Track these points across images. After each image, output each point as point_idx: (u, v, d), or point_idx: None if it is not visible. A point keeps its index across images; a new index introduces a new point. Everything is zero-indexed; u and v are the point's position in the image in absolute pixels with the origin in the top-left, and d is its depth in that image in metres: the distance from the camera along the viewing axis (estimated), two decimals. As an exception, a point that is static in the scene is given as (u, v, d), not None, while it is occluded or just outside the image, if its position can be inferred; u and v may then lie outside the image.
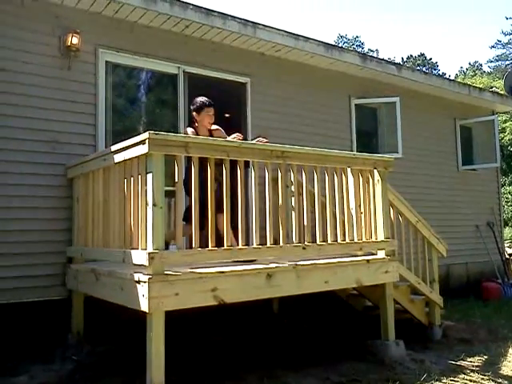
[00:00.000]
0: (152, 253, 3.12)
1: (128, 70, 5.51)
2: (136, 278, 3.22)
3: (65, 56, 4.85)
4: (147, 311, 3.11)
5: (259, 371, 4.09)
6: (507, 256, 9.81)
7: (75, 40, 4.79)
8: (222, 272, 3.47)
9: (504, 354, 4.82)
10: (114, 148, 3.72)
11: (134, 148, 3.36)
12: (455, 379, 4.06)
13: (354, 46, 51.26)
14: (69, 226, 4.67)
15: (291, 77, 6.62)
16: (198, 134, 4.53)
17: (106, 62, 5.16)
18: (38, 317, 4.45)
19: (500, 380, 4.06)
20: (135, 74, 5.64)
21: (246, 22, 5.77)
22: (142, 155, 3.28)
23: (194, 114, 4.70)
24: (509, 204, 21.73)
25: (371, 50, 51.63)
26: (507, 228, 19.63)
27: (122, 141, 3.60)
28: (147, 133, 3.15)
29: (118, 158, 3.64)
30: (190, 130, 4.63)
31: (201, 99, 4.74)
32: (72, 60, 4.88)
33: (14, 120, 4.56)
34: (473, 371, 4.28)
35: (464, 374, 4.20)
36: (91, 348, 4.38)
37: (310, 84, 6.81)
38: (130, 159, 3.49)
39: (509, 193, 22.13)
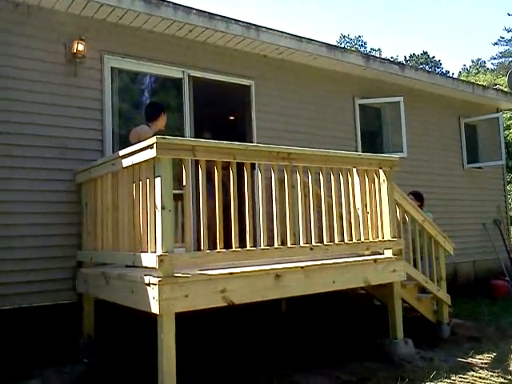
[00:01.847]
0: (161, 255, 3.16)
1: (133, 74, 5.56)
2: (146, 281, 3.27)
3: (71, 63, 4.91)
4: (158, 313, 3.15)
5: (269, 371, 4.13)
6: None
7: (81, 47, 4.85)
8: (231, 273, 3.51)
9: (513, 350, 4.83)
10: (122, 153, 3.77)
11: (141, 152, 3.41)
12: (464, 376, 4.07)
13: (357, 46, 51.26)
14: (78, 230, 4.72)
15: (295, 79, 6.65)
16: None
17: (112, 67, 5.21)
18: (49, 321, 4.50)
19: (509, 376, 4.07)
20: (140, 78, 5.70)
21: (249, 26, 5.82)
22: (149, 159, 3.32)
23: (153, 117, 4.89)
24: (515, 201, 21.63)
25: (374, 50, 51.64)
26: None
27: (129, 145, 3.65)
28: (155, 137, 3.20)
29: (126, 162, 3.69)
30: (147, 128, 4.77)
31: (158, 104, 5.09)
32: (78, 66, 4.94)
33: (22, 127, 4.62)
34: (482, 368, 4.29)
35: (473, 371, 4.22)
36: (102, 351, 4.43)
37: (313, 85, 6.84)
38: (138, 163, 3.53)
39: (515, 190, 22.04)
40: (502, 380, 4.00)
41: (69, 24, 4.94)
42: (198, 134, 5.75)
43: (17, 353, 4.24)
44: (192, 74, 5.73)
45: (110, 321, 4.56)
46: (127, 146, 4.34)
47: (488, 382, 3.97)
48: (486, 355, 4.70)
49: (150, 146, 3.25)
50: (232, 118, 8.09)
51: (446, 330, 5.48)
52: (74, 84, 4.94)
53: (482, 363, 4.46)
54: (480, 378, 4.06)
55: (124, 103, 5.24)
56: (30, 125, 4.66)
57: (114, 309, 3.97)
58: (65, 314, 4.58)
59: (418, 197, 6.36)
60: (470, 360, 4.55)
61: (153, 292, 3.19)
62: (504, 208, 9.57)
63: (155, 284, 3.16)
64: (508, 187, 12.00)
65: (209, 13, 5.51)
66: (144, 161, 3.42)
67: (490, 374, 4.15)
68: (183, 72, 5.68)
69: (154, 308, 3.16)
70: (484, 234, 8.96)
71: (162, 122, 4.96)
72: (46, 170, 4.69)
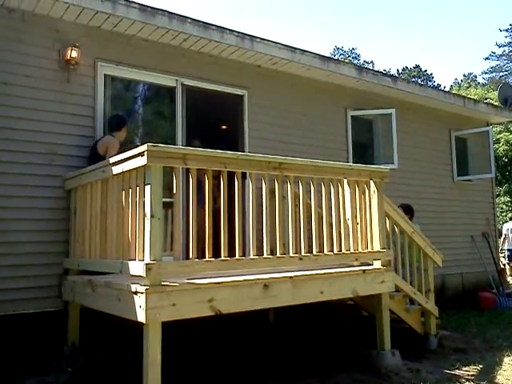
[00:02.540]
0: (149, 264, 3.15)
1: (126, 82, 5.57)
2: (133, 289, 3.25)
3: (64, 69, 4.90)
4: (144, 322, 3.13)
5: (255, 383, 4.11)
6: (502, 266, 9.86)
7: (74, 53, 4.85)
8: (219, 283, 3.50)
9: (499, 362, 4.86)
10: (112, 160, 3.76)
11: (132, 160, 3.41)
12: (451, 389, 4.09)
13: (350, 58, 51.68)
14: (66, 237, 4.69)
15: (288, 89, 6.69)
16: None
17: (105, 75, 5.21)
18: (33, 328, 4.45)
19: (495, 389, 4.09)
20: (133, 86, 5.71)
21: (243, 36, 5.85)
22: (140, 167, 3.32)
23: (116, 127, 4.94)
24: (503, 214, 21.82)
25: (367, 62, 52.09)
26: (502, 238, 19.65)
27: (120, 153, 3.65)
28: (146, 145, 3.20)
29: (116, 169, 3.68)
30: (113, 140, 4.80)
31: (121, 117, 5.11)
32: (71, 73, 4.94)
33: (13, 132, 4.60)
34: (468, 380, 4.31)
35: (459, 383, 4.24)
36: (87, 359, 4.38)
37: (306, 96, 6.89)
38: (128, 171, 3.53)
39: (503, 203, 22.24)
40: (488, 393, 4.02)
41: (63, 31, 4.95)
42: (189, 143, 5.76)
43: (0, 361, 4.18)
44: (185, 83, 5.75)
45: (96, 329, 4.52)
46: (95, 156, 4.48)
47: (474, 394, 3.98)
48: (472, 367, 4.72)
49: (141, 154, 3.25)
50: (224, 127, 8.12)
51: (433, 342, 5.50)
52: (66, 90, 4.94)
53: (468, 375, 4.47)
54: (466, 390, 4.08)
55: (116, 111, 5.24)
56: (20, 131, 4.64)
57: (99, 317, 3.93)
58: (50, 321, 4.53)
59: (407, 210, 6.40)
60: (456, 372, 4.56)
61: (139, 300, 3.17)
62: (492, 221, 9.65)
63: (142, 292, 3.15)
64: (497, 200, 12.11)
65: (203, 22, 5.54)
66: (134, 168, 3.42)
67: (476, 386, 4.17)
68: (177, 81, 5.69)
69: (141, 317, 3.15)
70: (472, 246, 9.03)
71: (123, 133, 5.00)
72: (35, 175, 4.66)
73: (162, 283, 3.22)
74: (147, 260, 3.18)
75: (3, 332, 4.32)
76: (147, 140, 4.52)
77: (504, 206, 22.19)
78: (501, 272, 9.58)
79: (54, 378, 4.09)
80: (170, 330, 3.32)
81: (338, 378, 4.25)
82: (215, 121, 7.79)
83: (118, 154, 4.60)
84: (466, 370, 4.62)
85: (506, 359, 4.99)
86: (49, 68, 4.86)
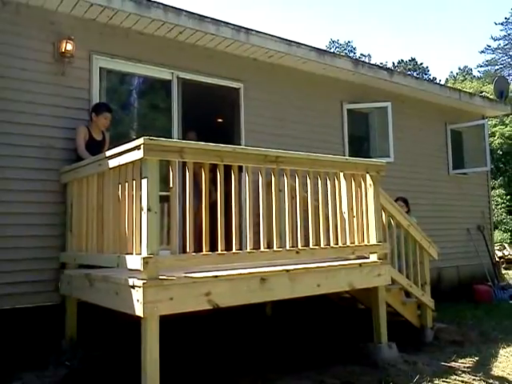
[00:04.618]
0: (146, 257, 3.14)
1: (122, 75, 5.54)
2: (131, 283, 3.24)
3: (59, 62, 4.87)
4: (142, 316, 3.13)
5: (253, 375, 4.13)
6: (497, 259, 9.92)
7: (69, 46, 4.82)
8: (216, 276, 3.50)
9: (495, 355, 4.89)
10: (108, 153, 3.74)
11: (128, 153, 3.39)
12: (447, 380, 4.12)
13: (346, 52, 51.53)
14: (62, 231, 4.68)
15: (284, 82, 6.68)
16: (90, 133, 4.82)
17: (100, 68, 5.18)
18: (31, 323, 4.45)
19: (491, 380, 4.12)
20: (129, 79, 5.67)
21: (239, 28, 5.83)
22: (136, 160, 3.31)
23: (93, 114, 4.88)
24: (499, 207, 21.92)
25: (363, 55, 51.95)
26: (497, 231, 19.80)
27: (116, 146, 3.63)
28: (142, 138, 3.19)
29: (112, 163, 3.67)
30: (81, 127, 4.80)
31: (103, 103, 5.02)
32: (66, 66, 4.91)
33: (8, 125, 4.57)
34: (464, 372, 4.34)
35: (455, 375, 4.27)
36: (85, 353, 4.38)
37: (302, 89, 6.87)
38: (124, 164, 3.51)
39: (498, 196, 22.34)
40: (484, 384, 4.06)
41: (58, 23, 4.91)
42: (185, 135, 5.74)
43: (-2, 355, 4.18)
44: (181, 76, 5.72)
45: (94, 323, 4.52)
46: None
47: (470, 385, 4.01)
48: (468, 359, 4.76)
49: (137, 147, 3.24)
50: (220, 120, 8.09)
51: (429, 335, 5.53)
52: (61, 83, 4.90)
53: (464, 367, 4.51)
54: (462, 381, 4.11)
55: (112, 104, 5.20)
56: (15, 124, 4.61)
57: (97, 311, 3.93)
58: (48, 316, 4.52)
59: (406, 202, 6.45)
60: (452, 364, 4.60)
61: (137, 294, 3.17)
62: (488, 214, 9.70)
63: (140, 286, 3.14)
64: (492, 193, 12.16)
65: (199, 15, 5.51)
66: (131, 162, 3.41)
67: (473, 377, 4.19)
68: (172, 74, 5.66)
69: (138, 311, 3.15)
70: (468, 239, 9.07)
71: (103, 120, 4.88)
72: (30, 169, 4.64)
73: (160, 277, 3.22)
74: (144, 254, 3.17)
75: (1, 326, 4.31)
76: (143, 133, 4.49)
77: (499, 199, 22.30)
78: (496, 265, 9.64)
79: (53, 371, 4.09)
80: (168, 323, 3.32)
81: (335, 370, 4.27)
82: (211, 114, 7.76)
83: (94, 142, 4.80)
84: (462, 362, 4.65)
85: (502, 351, 5.02)
86: (44, 61, 4.83)
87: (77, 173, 4.39)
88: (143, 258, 3.14)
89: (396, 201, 6.18)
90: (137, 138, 3.27)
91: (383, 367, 4.35)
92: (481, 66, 48.06)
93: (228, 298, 3.55)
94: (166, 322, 3.27)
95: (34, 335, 4.40)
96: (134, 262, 3.26)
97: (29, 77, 4.72)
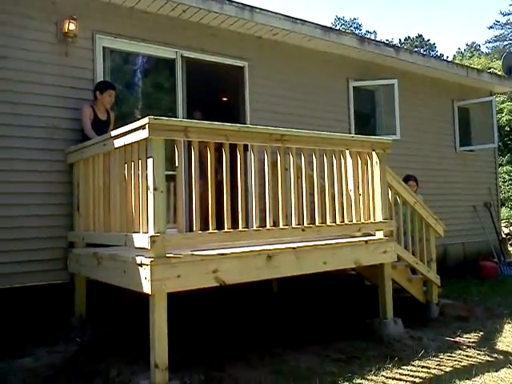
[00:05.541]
0: (153, 236, 3.18)
1: (125, 55, 5.50)
2: (138, 261, 3.28)
3: (62, 42, 4.85)
4: (150, 293, 3.17)
5: (260, 350, 4.19)
6: (504, 236, 9.92)
7: (72, 26, 4.78)
8: (223, 254, 3.54)
9: (499, 330, 4.93)
10: (113, 133, 3.75)
11: (134, 133, 3.40)
12: (452, 355, 4.17)
13: (352, 28, 50.78)
14: (70, 211, 4.72)
15: (289, 60, 6.61)
16: (95, 112, 4.81)
17: (104, 47, 5.15)
18: (41, 300, 4.53)
19: (495, 355, 4.17)
20: (133, 59, 5.63)
21: (243, 6, 5.75)
22: (142, 140, 3.31)
23: (97, 92, 4.86)
24: (506, 184, 21.78)
25: (369, 32, 51.21)
26: (504, 208, 19.70)
27: (121, 126, 3.63)
28: (147, 118, 3.18)
29: (118, 143, 3.67)
30: (86, 107, 4.79)
31: (106, 81, 5.01)
32: (69, 46, 4.88)
33: (13, 106, 4.58)
34: (469, 347, 4.39)
35: (460, 349, 4.31)
36: (94, 330, 4.48)
37: (307, 67, 6.80)
38: (130, 144, 3.52)
39: (505, 172, 22.18)
40: (488, 358, 4.10)
41: (60, 3, 4.87)
42: (190, 115, 5.72)
43: (10, 332, 4.27)
44: (185, 55, 5.68)
45: (102, 301, 4.59)
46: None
47: (474, 360, 4.05)
48: (473, 334, 4.80)
49: (143, 127, 3.24)
50: (225, 99, 8.05)
51: (435, 310, 5.57)
52: (65, 64, 4.89)
53: (469, 342, 4.56)
54: (467, 356, 4.15)
55: (116, 83, 5.18)
56: (20, 104, 4.61)
57: (106, 289, 3.99)
58: (57, 293, 4.61)
59: (416, 181, 6.45)
60: (457, 339, 4.64)
61: (145, 272, 3.21)
62: (495, 191, 9.66)
63: (147, 264, 3.18)
64: (499, 170, 12.08)
65: (202, -8, 5.43)
66: (136, 141, 3.41)
67: (477, 352, 4.24)
68: (176, 53, 5.62)
69: (146, 288, 3.19)
70: (474, 216, 9.06)
71: (107, 98, 4.87)
72: (36, 150, 4.66)
73: (167, 255, 3.25)
74: (151, 232, 3.20)
75: (12, 304, 4.41)
76: (147, 113, 4.50)
77: (506, 176, 22.14)
78: (502, 241, 9.64)
79: (63, 347, 4.18)
80: (176, 301, 3.37)
81: (341, 346, 4.32)
82: (216, 93, 7.73)
83: (99, 121, 4.80)
84: (467, 337, 4.70)
85: (507, 326, 5.06)
86: (47, 41, 4.81)
87: (82, 153, 4.40)
88: (150, 237, 3.17)
89: (407, 180, 6.19)
90: (142, 118, 3.27)
91: (388, 342, 4.40)
92: (489, 42, 47.27)
93: (235, 276, 3.59)
94: (174, 299, 3.31)
95: (45, 312, 4.49)
96: (141, 240, 3.30)
97: (32, 57, 4.70)
